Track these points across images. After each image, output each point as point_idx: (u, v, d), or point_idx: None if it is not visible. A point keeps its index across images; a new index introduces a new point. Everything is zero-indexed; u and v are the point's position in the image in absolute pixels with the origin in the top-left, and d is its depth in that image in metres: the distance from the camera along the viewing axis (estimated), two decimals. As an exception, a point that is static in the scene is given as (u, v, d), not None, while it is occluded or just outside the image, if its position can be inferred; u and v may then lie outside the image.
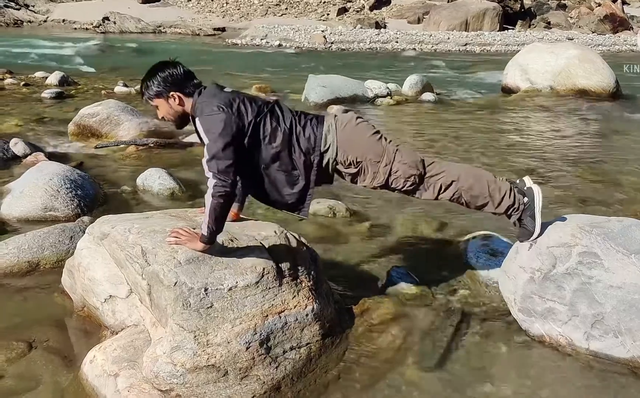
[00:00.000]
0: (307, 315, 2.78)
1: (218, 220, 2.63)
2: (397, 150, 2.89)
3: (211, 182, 2.61)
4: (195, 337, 2.49)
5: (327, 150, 2.85)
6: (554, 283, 2.92)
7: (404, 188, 2.92)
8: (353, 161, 2.86)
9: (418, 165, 2.90)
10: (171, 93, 2.78)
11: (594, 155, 7.08)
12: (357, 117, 2.95)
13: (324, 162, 2.86)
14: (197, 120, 2.71)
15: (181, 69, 2.82)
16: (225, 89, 2.85)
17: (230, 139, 2.64)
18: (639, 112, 10.31)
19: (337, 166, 2.90)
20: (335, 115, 2.95)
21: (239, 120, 2.70)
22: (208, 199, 2.61)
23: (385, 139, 2.92)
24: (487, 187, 2.94)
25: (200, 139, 2.72)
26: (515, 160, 6.72)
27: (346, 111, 3.06)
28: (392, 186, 2.92)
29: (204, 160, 2.64)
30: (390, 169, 2.87)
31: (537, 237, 3.01)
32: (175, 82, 2.79)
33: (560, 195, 5.31)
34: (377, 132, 2.93)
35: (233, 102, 2.73)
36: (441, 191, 2.94)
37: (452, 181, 2.92)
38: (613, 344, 2.80)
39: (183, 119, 2.87)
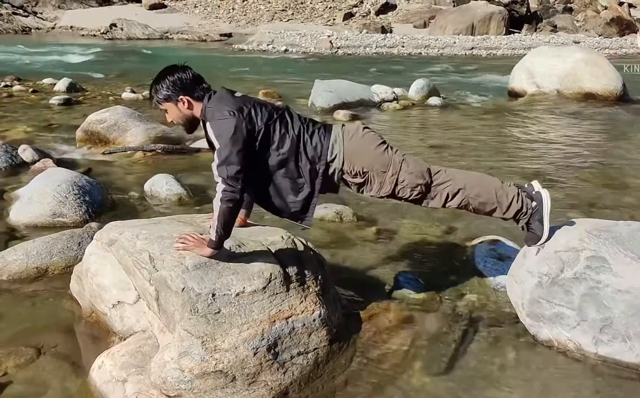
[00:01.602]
0: (314, 320, 2.79)
1: (226, 226, 2.64)
2: (403, 160, 2.89)
3: (220, 187, 2.62)
4: (203, 342, 2.50)
5: (333, 160, 2.85)
6: (562, 287, 2.90)
7: (411, 197, 2.92)
8: (359, 171, 2.87)
9: (424, 175, 2.90)
10: (180, 97, 2.79)
11: (601, 159, 7.05)
12: (364, 127, 2.95)
13: (330, 171, 2.87)
14: (207, 124, 2.72)
15: (190, 73, 2.83)
16: (235, 94, 2.86)
17: (240, 144, 2.65)
18: (646, 115, 10.26)
19: (344, 176, 2.90)
20: (343, 125, 2.95)
21: (250, 125, 2.71)
22: (216, 204, 2.62)
23: (392, 149, 2.93)
24: (495, 193, 2.94)
25: (210, 143, 2.73)
26: (522, 164, 6.70)
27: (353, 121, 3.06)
28: (399, 195, 2.92)
29: (214, 165, 2.65)
30: (397, 179, 2.87)
31: (545, 242, 3.00)
32: (185, 86, 2.80)
33: (567, 199, 5.29)
34: (384, 142, 2.93)
35: (244, 107, 2.74)
36: (448, 199, 2.93)
37: (459, 189, 2.92)
38: (622, 349, 2.79)
39: (192, 123, 2.88)
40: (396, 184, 2.88)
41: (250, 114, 2.74)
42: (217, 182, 2.64)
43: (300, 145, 2.82)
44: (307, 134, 2.85)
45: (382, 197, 2.96)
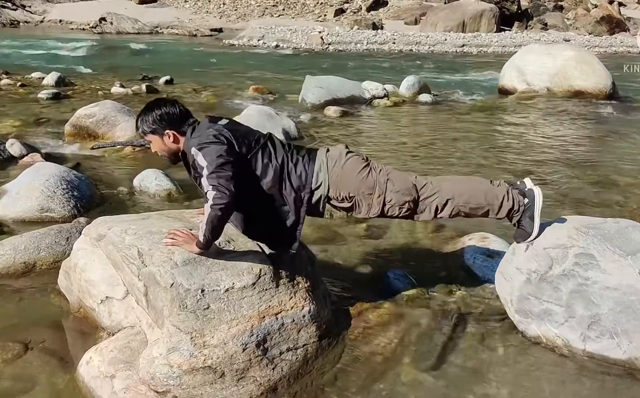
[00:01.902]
0: (304, 316, 2.78)
1: (215, 230, 2.64)
2: (388, 179, 2.88)
3: (211, 194, 2.58)
4: (191, 338, 2.49)
5: (318, 187, 2.84)
6: (551, 284, 2.92)
7: (400, 214, 2.92)
8: (346, 197, 2.87)
9: (411, 191, 2.89)
10: (166, 131, 2.79)
11: (591, 157, 7.10)
12: (347, 152, 2.92)
13: (314, 199, 2.85)
14: (192, 150, 2.69)
15: (178, 109, 2.83)
16: (219, 122, 2.84)
17: (229, 157, 2.64)
18: (635, 113, 10.35)
19: (331, 201, 2.90)
20: (328, 150, 2.93)
21: (233, 154, 2.69)
22: (207, 209, 2.60)
23: (375, 170, 2.91)
24: (484, 197, 2.94)
25: (195, 169, 2.69)
26: (511, 161, 6.73)
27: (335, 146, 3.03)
28: (388, 214, 2.92)
29: (203, 179, 2.61)
30: (384, 199, 2.86)
31: (534, 239, 3.01)
32: (172, 121, 2.80)
33: (556, 196, 5.32)
34: (367, 165, 2.91)
35: (229, 136, 2.72)
36: (438, 211, 2.93)
37: (447, 199, 2.92)
38: (609, 345, 2.81)
39: (176, 156, 2.89)
40: (384, 204, 2.87)
41: (233, 144, 2.72)
42: (207, 191, 2.60)
43: (284, 174, 2.80)
44: (292, 163, 2.83)
45: (371, 218, 2.96)
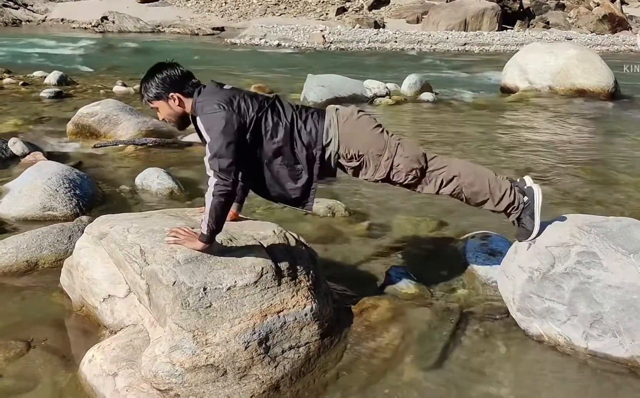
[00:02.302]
0: (306, 314, 2.78)
1: (218, 220, 2.63)
2: (399, 143, 2.89)
3: (212, 181, 2.61)
4: (194, 336, 2.49)
5: (328, 144, 2.85)
6: (553, 283, 2.92)
7: (406, 182, 2.92)
8: (355, 155, 2.86)
9: (420, 159, 2.90)
10: (170, 94, 2.78)
11: (593, 155, 7.09)
12: (359, 111, 2.94)
13: (326, 155, 2.86)
14: (197, 119, 2.71)
15: (179, 70, 2.82)
16: (224, 86, 2.85)
17: (231, 137, 2.64)
18: (638, 112, 10.33)
19: (339, 160, 2.90)
20: (337, 109, 2.94)
21: (240, 117, 2.70)
22: (208, 197, 2.61)
23: (387, 133, 2.92)
24: (488, 184, 2.94)
25: (202, 137, 2.72)
26: (513, 159, 6.73)
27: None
28: (393, 179, 2.92)
29: (205, 158, 2.65)
30: (392, 163, 2.86)
31: (535, 237, 3.01)
32: (174, 83, 2.79)
33: (558, 195, 5.32)
34: (379, 125, 2.93)
35: (233, 99, 2.73)
36: (442, 186, 2.94)
37: (454, 176, 2.93)
38: (612, 344, 2.81)
39: (184, 120, 2.87)
40: (391, 168, 2.87)
41: (240, 105, 2.73)
42: (209, 176, 2.63)
43: (294, 131, 2.81)
44: (301, 120, 2.84)
45: (377, 181, 2.95)
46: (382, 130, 2.91)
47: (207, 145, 2.65)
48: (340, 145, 2.85)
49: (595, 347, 2.84)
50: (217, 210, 2.61)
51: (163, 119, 2.89)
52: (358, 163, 2.89)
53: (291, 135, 2.80)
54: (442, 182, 2.93)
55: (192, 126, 2.88)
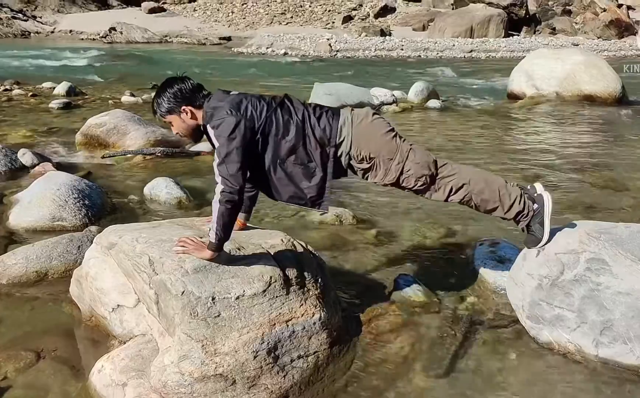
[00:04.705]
0: (314, 323, 2.78)
1: (226, 227, 2.64)
2: (410, 149, 2.89)
3: (219, 188, 2.63)
4: (202, 346, 2.50)
5: (341, 143, 2.84)
6: (562, 290, 2.90)
7: (415, 187, 2.91)
8: (366, 157, 2.86)
9: (430, 166, 2.89)
10: (182, 108, 2.80)
11: (601, 161, 7.06)
12: (373, 113, 2.94)
13: (338, 153, 2.85)
14: (207, 127, 2.73)
15: (190, 83, 2.83)
16: (231, 93, 2.86)
17: (240, 142, 2.65)
18: (645, 117, 10.28)
19: (350, 161, 2.89)
20: (352, 109, 2.94)
21: (248, 121, 2.71)
22: (215, 205, 2.62)
23: (400, 138, 2.92)
24: (498, 191, 2.93)
25: (212, 144, 2.74)
26: (522, 166, 6.71)
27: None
28: (403, 184, 2.91)
29: (214, 164, 2.67)
30: (403, 168, 2.86)
31: (545, 244, 3.00)
32: (185, 96, 2.80)
33: (567, 201, 5.29)
34: (392, 129, 2.92)
35: (241, 104, 2.74)
36: (452, 193, 2.93)
37: (463, 184, 2.92)
38: (622, 351, 2.79)
39: (198, 132, 2.88)
40: (401, 173, 2.87)
41: (248, 109, 2.73)
42: (217, 183, 2.64)
43: (306, 129, 2.80)
44: (314, 117, 2.83)
45: (386, 185, 2.95)
46: (395, 135, 2.91)
47: (215, 150, 2.67)
48: (352, 146, 2.84)
49: (605, 354, 2.82)
50: (223, 218, 2.62)
51: (177, 133, 2.91)
52: (369, 165, 2.88)
53: (303, 132, 2.79)
54: (451, 189, 2.92)
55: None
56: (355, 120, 2.86)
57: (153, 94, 2.91)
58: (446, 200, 2.96)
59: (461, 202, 2.98)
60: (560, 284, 2.91)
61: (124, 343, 2.83)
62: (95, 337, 3.04)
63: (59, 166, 6.17)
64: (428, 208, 4.87)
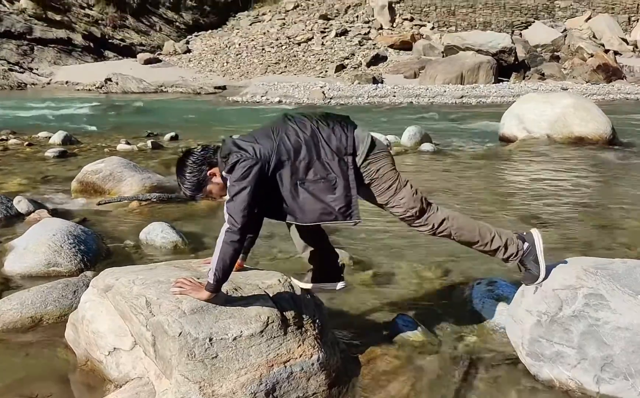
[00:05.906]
0: (312, 364, 2.76)
1: (225, 269, 2.64)
2: (407, 181, 2.96)
3: (224, 228, 2.64)
4: (200, 387, 2.47)
5: (356, 155, 2.83)
6: (561, 326, 2.89)
7: (404, 216, 2.94)
8: (370, 174, 2.87)
9: (422, 202, 2.94)
10: (207, 174, 2.82)
11: (594, 201, 7.11)
12: (387, 147, 2.99)
13: (357, 163, 2.84)
14: (223, 174, 2.77)
15: (197, 150, 2.86)
16: (237, 138, 2.87)
17: (250, 183, 2.65)
18: (636, 157, 10.40)
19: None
20: (370, 133, 2.96)
21: (260, 160, 2.69)
22: (219, 243, 2.63)
23: (402, 181, 2.96)
24: (478, 231, 3.01)
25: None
26: (516, 207, 6.74)
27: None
28: (392, 208, 2.94)
29: (225, 202, 2.69)
30: (396, 195, 2.90)
31: (542, 280, 3.01)
32: (201, 161, 2.82)
33: (563, 240, 5.31)
34: (397, 178, 2.95)
35: (248, 146, 2.73)
36: (434, 228, 2.98)
37: (443, 220, 2.98)
38: (624, 387, 2.76)
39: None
40: (394, 196, 2.90)
41: (255, 148, 2.72)
42: (225, 221, 2.66)
43: (319, 141, 2.78)
44: (328, 127, 2.82)
45: (376, 204, 2.99)
46: (397, 172, 2.95)
47: (227, 190, 2.69)
48: (364, 162, 2.84)
49: (607, 390, 2.80)
50: (224, 259, 2.62)
51: (222, 197, 2.87)
52: (367, 182, 2.90)
53: (315, 145, 2.76)
54: (433, 225, 2.97)
55: None
56: (371, 154, 2.86)
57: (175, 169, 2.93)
58: (433, 234, 3.01)
59: (451, 238, 3.03)
60: (559, 320, 2.90)
61: (120, 386, 2.79)
62: (91, 382, 3.00)
63: (55, 213, 6.16)
64: (424, 248, 4.88)
